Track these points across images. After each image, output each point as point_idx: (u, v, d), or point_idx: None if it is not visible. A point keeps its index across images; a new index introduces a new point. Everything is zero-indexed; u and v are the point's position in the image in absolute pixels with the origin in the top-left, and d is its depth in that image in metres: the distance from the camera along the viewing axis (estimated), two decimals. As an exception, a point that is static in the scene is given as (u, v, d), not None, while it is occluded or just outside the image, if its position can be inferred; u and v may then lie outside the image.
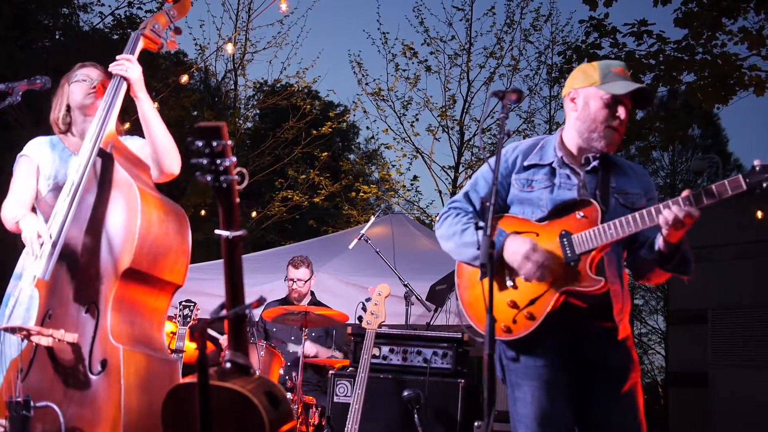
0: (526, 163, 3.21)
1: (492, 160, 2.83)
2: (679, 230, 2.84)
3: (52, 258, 2.89)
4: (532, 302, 2.98)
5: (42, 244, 2.98)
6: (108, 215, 2.93)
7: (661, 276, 3.09)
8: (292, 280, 6.34)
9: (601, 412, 3.05)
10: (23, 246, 3.32)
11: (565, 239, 2.99)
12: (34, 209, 3.36)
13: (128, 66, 3.23)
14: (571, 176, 3.13)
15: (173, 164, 3.28)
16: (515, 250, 2.97)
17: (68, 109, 3.45)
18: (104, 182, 3.00)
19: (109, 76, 3.33)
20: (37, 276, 2.90)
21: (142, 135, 3.38)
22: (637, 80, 9.87)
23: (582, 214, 3.00)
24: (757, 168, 2.73)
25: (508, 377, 3.15)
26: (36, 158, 3.43)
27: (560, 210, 3.06)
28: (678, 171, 26.47)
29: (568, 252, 2.97)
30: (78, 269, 2.93)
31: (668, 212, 2.82)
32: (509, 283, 3.04)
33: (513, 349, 3.09)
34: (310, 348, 5.95)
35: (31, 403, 2.75)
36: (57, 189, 3.28)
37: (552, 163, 3.17)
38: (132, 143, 3.39)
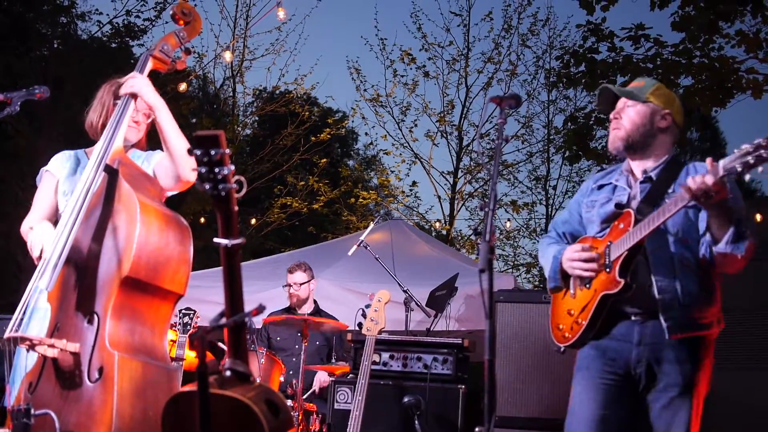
0: (595, 185, 3.43)
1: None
2: (709, 201, 2.78)
3: (55, 270, 2.90)
4: (583, 310, 3.16)
5: (41, 256, 3.00)
6: (111, 228, 2.96)
7: (725, 259, 2.97)
8: (289, 285, 6.37)
9: (648, 420, 3.10)
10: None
11: (607, 249, 3.12)
12: (56, 224, 3.38)
13: (133, 82, 3.25)
14: (625, 188, 3.26)
15: (190, 173, 3.29)
16: (566, 256, 3.22)
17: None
18: (110, 197, 3.02)
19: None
20: (40, 287, 2.92)
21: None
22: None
23: (622, 224, 3.12)
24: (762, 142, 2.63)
25: None
26: (57, 174, 3.48)
27: (607, 223, 3.23)
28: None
29: (606, 261, 3.09)
30: (81, 280, 2.95)
31: (683, 188, 2.80)
32: (571, 292, 3.25)
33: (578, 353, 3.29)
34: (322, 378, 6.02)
35: (32, 411, 2.77)
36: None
37: (615, 180, 3.34)
38: (154, 157, 3.45)
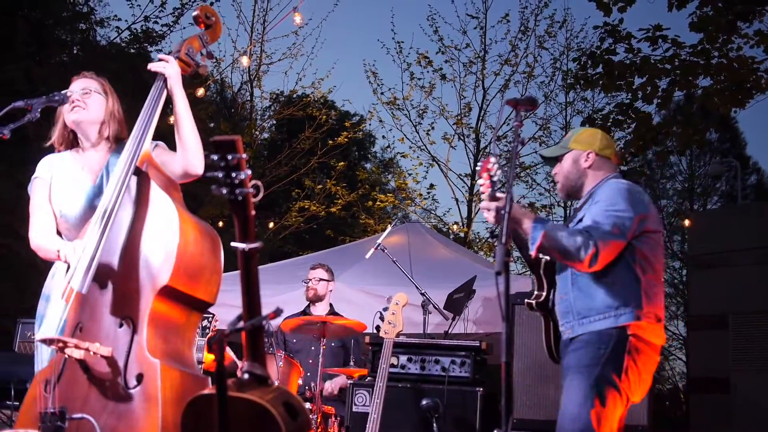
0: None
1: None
2: (495, 219, 3.13)
3: (89, 272, 2.90)
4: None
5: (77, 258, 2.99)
6: (145, 233, 2.96)
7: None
8: (309, 279, 6.42)
9: None
10: (48, 268, 3.36)
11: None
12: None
13: (166, 64, 3.27)
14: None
15: (198, 164, 3.30)
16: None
17: (65, 126, 3.46)
18: (140, 201, 3.03)
19: (98, 81, 3.43)
20: (74, 289, 2.91)
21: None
22: (652, 85, 9.77)
23: None
24: None
25: None
26: (47, 178, 3.43)
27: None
28: (696, 175, 26.29)
29: None
30: (113, 284, 2.95)
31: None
32: None
33: None
34: (330, 386, 6.04)
35: (67, 415, 2.77)
36: (71, 208, 3.32)
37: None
38: (158, 152, 3.40)
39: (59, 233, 3.38)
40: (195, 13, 3.49)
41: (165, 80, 3.27)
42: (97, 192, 3.31)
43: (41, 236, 3.34)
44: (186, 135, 3.27)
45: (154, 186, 3.03)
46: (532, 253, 3.31)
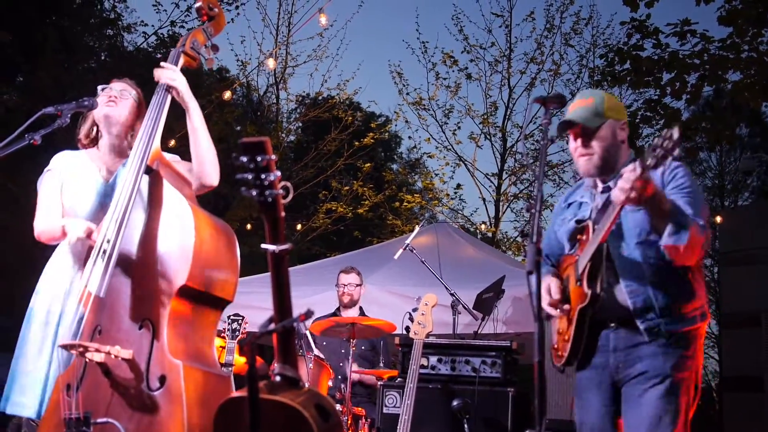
0: (565, 203, 3.45)
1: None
2: (642, 198, 2.77)
3: (107, 275, 2.90)
4: (568, 326, 3.15)
5: (96, 248, 3.00)
6: (160, 233, 2.95)
7: (673, 252, 2.94)
8: (343, 284, 6.43)
9: (624, 418, 3.10)
10: (44, 264, 3.38)
11: (577, 263, 3.12)
12: None
13: (173, 75, 3.24)
14: (589, 203, 3.29)
15: (214, 175, 3.29)
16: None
17: (94, 123, 3.51)
18: (153, 200, 3.02)
19: (136, 90, 3.47)
20: (92, 292, 2.92)
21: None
22: (681, 81, 9.52)
23: (585, 236, 3.14)
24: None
25: None
26: (61, 173, 3.46)
27: (573, 240, 3.25)
28: (726, 171, 25.97)
29: (577, 275, 3.10)
30: (130, 286, 2.95)
31: (612, 193, 2.87)
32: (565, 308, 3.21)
33: (577, 370, 3.27)
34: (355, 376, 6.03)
35: (91, 420, 2.77)
36: (81, 204, 3.35)
37: (580, 196, 3.37)
38: (172, 159, 3.41)
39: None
40: (197, 5, 3.45)
41: (170, 90, 3.24)
42: (109, 191, 3.32)
43: (45, 221, 3.37)
44: (202, 146, 3.26)
45: (167, 185, 3.01)
46: (668, 245, 2.89)
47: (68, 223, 3.22)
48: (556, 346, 3.26)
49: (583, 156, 3.21)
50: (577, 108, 3.22)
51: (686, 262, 2.99)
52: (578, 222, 3.23)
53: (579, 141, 3.22)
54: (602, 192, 3.23)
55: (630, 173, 2.71)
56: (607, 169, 3.21)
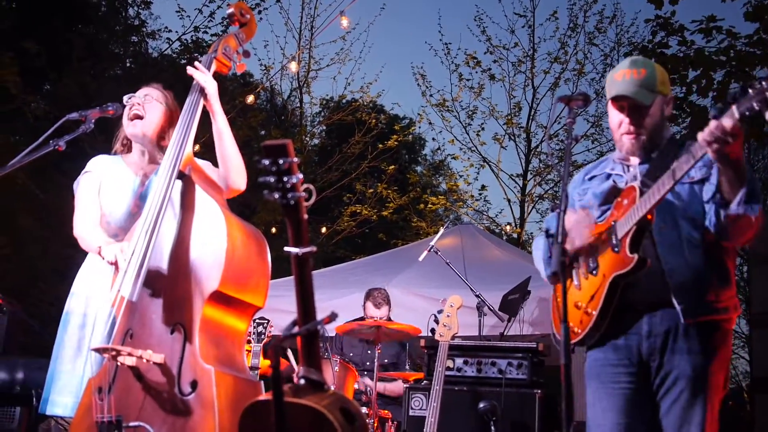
0: (586, 176, 3.25)
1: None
2: (724, 152, 2.54)
3: (139, 279, 2.92)
4: (592, 298, 2.90)
5: (126, 262, 3.02)
6: (192, 238, 2.97)
7: (737, 223, 2.72)
8: (371, 317, 6.20)
9: (660, 418, 2.89)
10: (72, 269, 3.42)
11: (611, 228, 2.88)
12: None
13: (205, 78, 3.26)
14: (621, 174, 3.09)
15: (240, 180, 3.31)
16: (569, 219, 2.91)
17: (125, 135, 3.57)
18: (185, 205, 3.03)
19: (162, 93, 3.50)
20: (125, 297, 2.94)
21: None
22: (707, 78, 9.31)
23: (625, 200, 2.90)
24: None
25: None
26: (99, 175, 3.50)
27: (607, 203, 3.02)
28: (755, 168, 25.67)
29: (613, 240, 2.86)
30: (162, 290, 2.97)
31: (699, 138, 2.58)
32: (575, 283, 3.00)
33: (587, 350, 3.05)
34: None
35: (123, 423, 2.79)
36: (116, 209, 3.39)
37: (610, 168, 3.16)
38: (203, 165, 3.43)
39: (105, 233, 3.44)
40: (230, 11, 3.47)
41: (203, 92, 3.25)
42: (144, 197, 3.37)
43: (86, 227, 3.40)
44: (228, 150, 3.28)
45: (199, 190, 3.03)
46: (737, 214, 2.66)
47: (104, 248, 3.22)
48: (573, 322, 2.97)
49: (629, 135, 3.00)
50: (629, 79, 2.98)
51: (742, 239, 2.81)
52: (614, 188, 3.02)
53: (627, 117, 2.99)
54: (642, 163, 3.02)
55: (724, 120, 2.47)
56: (651, 149, 3.00)
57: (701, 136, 2.55)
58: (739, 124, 2.47)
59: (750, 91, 2.42)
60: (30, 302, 11.34)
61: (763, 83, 2.38)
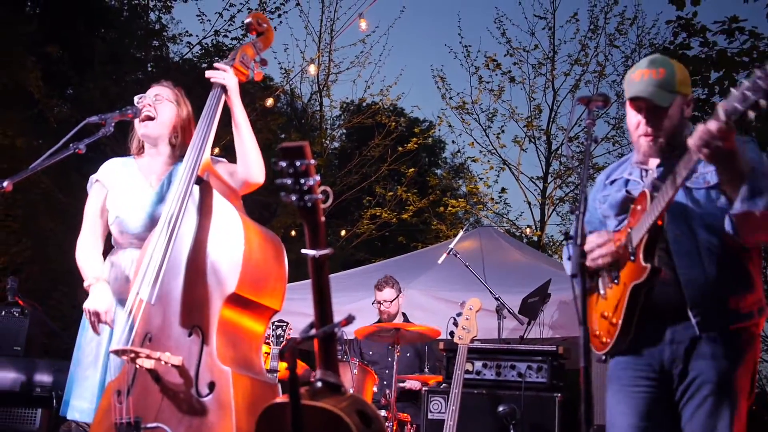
0: (608, 180, 3.19)
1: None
2: (718, 153, 2.49)
3: (157, 282, 2.94)
4: (615, 308, 2.85)
5: (100, 322, 3.18)
6: (210, 242, 2.99)
7: (744, 222, 2.64)
8: (379, 302, 6.39)
9: (682, 426, 2.83)
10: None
11: (628, 237, 2.83)
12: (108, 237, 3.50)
13: (224, 75, 3.28)
14: (638, 181, 3.03)
15: (259, 173, 3.31)
16: (587, 249, 2.88)
17: (139, 137, 3.58)
18: (203, 209, 3.06)
19: (172, 90, 3.52)
20: (143, 300, 2.95)
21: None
22: (730, 79, 9.20)
23: (639, 206, 2.85)
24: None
25: None
26: (107, 184, 3.52)
27: (623, 212, 2.98)
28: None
29: (630, 248, 2.80)
30: (180, 293, 2.99)
31: (688, 144, 2.54)
32: (601, 293, 2.97)
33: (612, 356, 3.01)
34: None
35: (141, 425, 2.80)
36: (129, 214, 3.39)
37: (627, 173, 3.10)
38: (220, 167, 3.44)
39: (114, 240, 3.47)
40: (247, 20, 3.51)
41: (224, 89, 3.28)
42: (158, 200, 3.38)
43: (84, 255, 3.46)
44: (246, 144, 3.29)
45: (216, 194, 3.05)
46: (740, 212, 2.60)
47: (92, 293, 3.30)
48: (598, 332, 2.95)
49: (647, 137, 2.91)
50: (647, 80, 2.90)
51: (756, 238, 2.72)
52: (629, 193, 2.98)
53: (644, 119, 2.91)
54: (659, 166, 2.94)
55: (709, 123, 2.43)
56: (670, 151, 2.90)
57: (691, 141, 2.52)
58: (726, 126, 2.42)
59: (734, 92, 2.39)
60: (51, 304, 11.44)
61: (745, 83, 2.35)
